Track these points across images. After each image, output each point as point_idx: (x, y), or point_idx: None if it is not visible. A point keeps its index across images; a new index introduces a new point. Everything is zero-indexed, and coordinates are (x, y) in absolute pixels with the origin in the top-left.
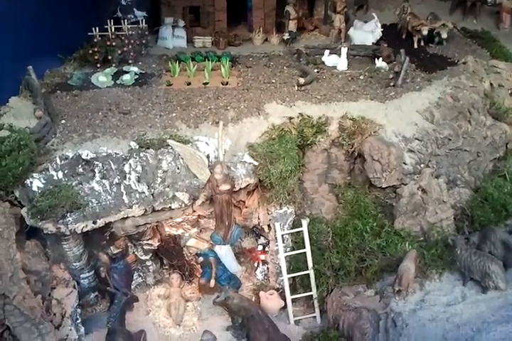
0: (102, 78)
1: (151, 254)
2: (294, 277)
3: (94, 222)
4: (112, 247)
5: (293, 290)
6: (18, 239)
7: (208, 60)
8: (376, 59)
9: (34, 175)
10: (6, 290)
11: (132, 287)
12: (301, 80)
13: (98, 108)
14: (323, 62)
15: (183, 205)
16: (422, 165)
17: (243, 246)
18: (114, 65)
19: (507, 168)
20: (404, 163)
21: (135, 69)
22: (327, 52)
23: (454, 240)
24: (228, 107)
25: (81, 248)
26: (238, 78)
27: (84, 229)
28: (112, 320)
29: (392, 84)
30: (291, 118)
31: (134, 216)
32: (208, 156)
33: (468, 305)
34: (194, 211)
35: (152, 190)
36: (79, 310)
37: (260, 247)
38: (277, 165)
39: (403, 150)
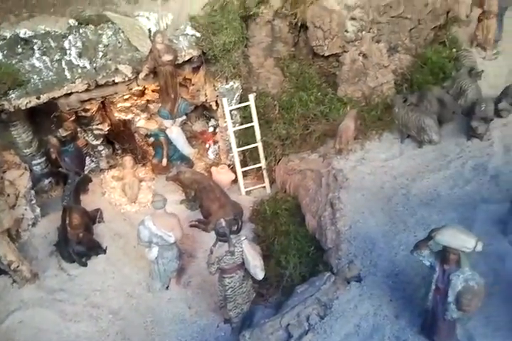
0: None
1: (102, 139)
2: (244, 152)
3: (38, 98)
4: (60, 130)
5: (243, 165)
6: None
7: None
8: None
9: None
10: None
11: (86, 172)
12: None
13: None
14: None
15: (127, 79)
16: (363, 33)
17: (194, 129)
18: None
19: (447, 35)
20: (346, 31)
21: None
22: None
23: (392, 100)
24: None
25: (30, 134)
26: None
27: (28, 105)
28: (67, 199)
29: None
30: None
31: (77, 91)
32: (149, 30)
33: (405, 159)
34: (139, 85)
35: (94, 64)
36: (33, 192)
37: (211, 129)
38: (220, 36)
39: (345, 18)
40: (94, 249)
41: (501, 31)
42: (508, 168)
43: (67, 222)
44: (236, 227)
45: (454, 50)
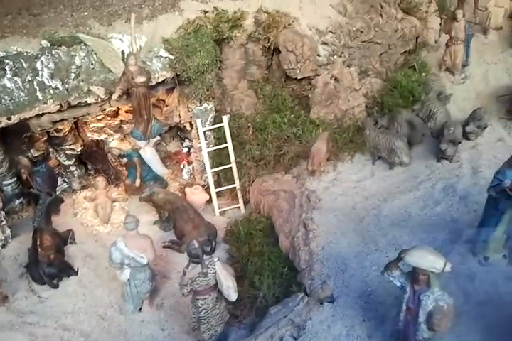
0: None
1: (74, 159)
2: (218, 173)
3: (9, 119)
4: (32, 150)
5: (217, 186)
6: None
7: None
8: None
9: None
10: None
11: (58, 192)
12: None
13: (7, 12)
14: None
15: (100, 100)
16: (335, 57)
17: (168, 149)
18: None
19: (416, 60)
20: (318, 55)
21: None
22: None
23: (363, 122)
24: (142, 5)
25: (0, 154)
26: None
27: None
28: (38, 220)
29: None
30: (205, 12)
31: (49, 112)
32: (122, 52)
33: (376, 180)
34: (112, 106)
35: (66, 85)
36: (3, 213)
37: (185, 149)
38: (194, 58)
39: (317, 43)
40: (66, 270)
41: (469, 57)
42: (476, 189)
43: (38, 243)
44: (210, 248)
45: (423, 74)
